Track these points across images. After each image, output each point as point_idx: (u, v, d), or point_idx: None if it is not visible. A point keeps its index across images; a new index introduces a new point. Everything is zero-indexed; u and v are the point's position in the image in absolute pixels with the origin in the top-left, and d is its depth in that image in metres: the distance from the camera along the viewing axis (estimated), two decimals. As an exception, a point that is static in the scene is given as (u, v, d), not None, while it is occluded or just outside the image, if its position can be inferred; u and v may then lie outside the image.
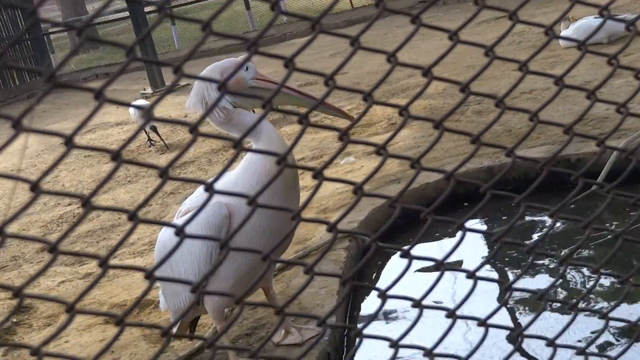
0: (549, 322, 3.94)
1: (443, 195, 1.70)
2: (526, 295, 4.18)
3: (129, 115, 10.24)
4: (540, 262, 4.60)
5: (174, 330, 3.81)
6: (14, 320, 4.88)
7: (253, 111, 4.27)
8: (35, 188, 1.31)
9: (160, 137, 8.84)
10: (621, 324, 3.67)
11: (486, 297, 4.26)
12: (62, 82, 1.34)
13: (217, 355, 3.95)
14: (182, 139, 9.32)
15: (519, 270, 4.62)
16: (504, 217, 5.38)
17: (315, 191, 1.65)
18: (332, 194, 5.96)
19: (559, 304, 4.00)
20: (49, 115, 13.14)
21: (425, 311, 1.91)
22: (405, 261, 1.83)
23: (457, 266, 4.70)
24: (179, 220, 3.57)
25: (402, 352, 1.88)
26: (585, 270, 4.41)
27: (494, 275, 4.74)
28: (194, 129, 1.42)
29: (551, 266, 4.56)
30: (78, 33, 1.34)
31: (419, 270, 4.72)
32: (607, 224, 4.84)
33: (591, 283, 4.20)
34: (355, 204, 1.66)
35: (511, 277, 4.66)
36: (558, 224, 5.03)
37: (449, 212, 5.14)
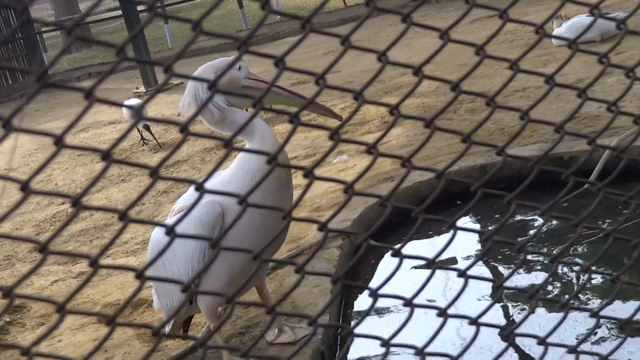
0: (542, 319, 3.95)
1: (434, 194, 1.70)
2: (518, 293, 4.19)
3: (122, 114, 10.24)
4: (533, 260, 4.61)
5: (167, 329, 3.81)
6: (7, 319, 4.87)
7: (247, 110, 4.27)
8: (25, 188, 1.30)
9: (153, 135, 8.83)
10: (613, 322, 3.68)
11: (478, 295, 4.28)
12: (52, 81, 1.33)
13: (211, 354, 3.95)
14: (175, 138, 9.31)
15: (511, 268, 4.62)
16: (496, 216, 5.38)
17: (306, 190, 1.66)
18: (325, 193, 5.96)
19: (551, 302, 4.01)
20: (42, 114, 13.12)
21: (419, 309, 1.92)
22: (396, 260, 1.83)
23: (450, 264, 4.71)
24: (171, 220, 3.57)
25: (396, 349, 1.88)
26: (577, 268, 4.42)
27: (486, 273, 4.75)
28: (184, 128, 1.42)
29: (543, 264, 4.57)
30: (68, 32, 1.34)
31: (414, 267, 4.73)
32: (601, 222, 4.85)
33: (583, 281, 4.21)
34: (346, 203, 1.66)
35: (503, 275, 4.67)
36: (551, 222, 5.04)
37: (443, 210, 5.15)
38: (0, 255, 6.38)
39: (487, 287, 4.29)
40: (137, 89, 13.17)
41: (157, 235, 3.62)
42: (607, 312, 2.20)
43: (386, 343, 1.85)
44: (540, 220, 5.17)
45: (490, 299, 4.19)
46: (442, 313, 1.90)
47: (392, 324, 4.30)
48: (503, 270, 4.74)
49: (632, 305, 3.81)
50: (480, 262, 4.74)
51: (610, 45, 2.05)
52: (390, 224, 5.06)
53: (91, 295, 5.08)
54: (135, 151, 9.11)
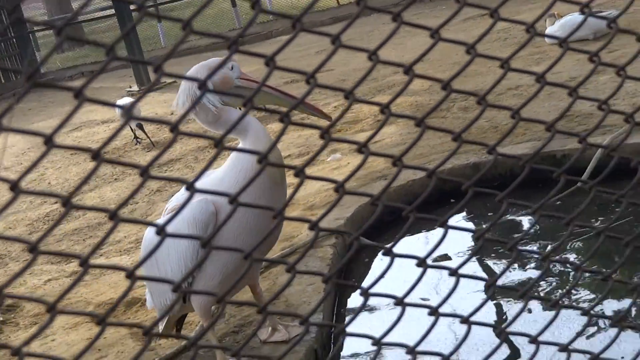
0: (534, 317, 3.95)
1: (425, 192, 1.70)
2: (510, 291, 4.20)
3: (115, 113, 10.22)
4: (525, 258, 4.62)
5: (161, 328, 3.80)
6: (1, 319, 4.86)
7: (241, 109, 4.27)
8: (15, 188, 1.30)
9: (146, 134, 8.82)
10: (604, 320, 3.69)
11: (471, 293, 4.28)
12: (42, 81, 1.33)
13: (205, 353, 3.95)
14: (168, 137, 9.29)
15: (504, 267, 4.63)
16: (489, 214, 5.39)
17: (297, 189, 1.66)
18: (319, 191, 5.96)
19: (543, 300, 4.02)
20: (35, 113, 13.08)
21: (411, 307, 1.92)
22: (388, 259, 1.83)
23: (442, 263, 4.71)
24: (164, 218, 3.57)
25: (389, 347, 1.88)
26: (569, 266, 4.43)
27: (479, 272, 4.75)
28: (174, 127, 1.41)
29: (536, 263, 4.57)
30: (58, 32, 1.34)
31: (406, 265, 4.73)
32: (593, 220, 4.86)
33: (575, 279, 4.22)
34: (337, 202, 1.66)
35: (495, 273, 4.68)
36: (543, 221, 5.05)
37: (436, 208, 5.15)
38: (-7, 254, 6.37)
39: (480, 286, 4.30)
40: (130, 87, 13.16)
41: (150, 235, 3.61)
42: (599, 309, 2.21)
43: (377, 342, 1.85)
44: (532, 219, 5.18)
45: (482, 297, 4.20)
46: (434, 312, 1.90)
47: (385, 322, 4.30)
48: (495, 268, 4.74)
49: (624, 303, 3.82)
50: (472, 261, 4.74)
51: (602, 44, 2.05)
52: (383, 222, 5.06)
53: (84, 295, 5.07)
54: (128, 150, 9.10)
